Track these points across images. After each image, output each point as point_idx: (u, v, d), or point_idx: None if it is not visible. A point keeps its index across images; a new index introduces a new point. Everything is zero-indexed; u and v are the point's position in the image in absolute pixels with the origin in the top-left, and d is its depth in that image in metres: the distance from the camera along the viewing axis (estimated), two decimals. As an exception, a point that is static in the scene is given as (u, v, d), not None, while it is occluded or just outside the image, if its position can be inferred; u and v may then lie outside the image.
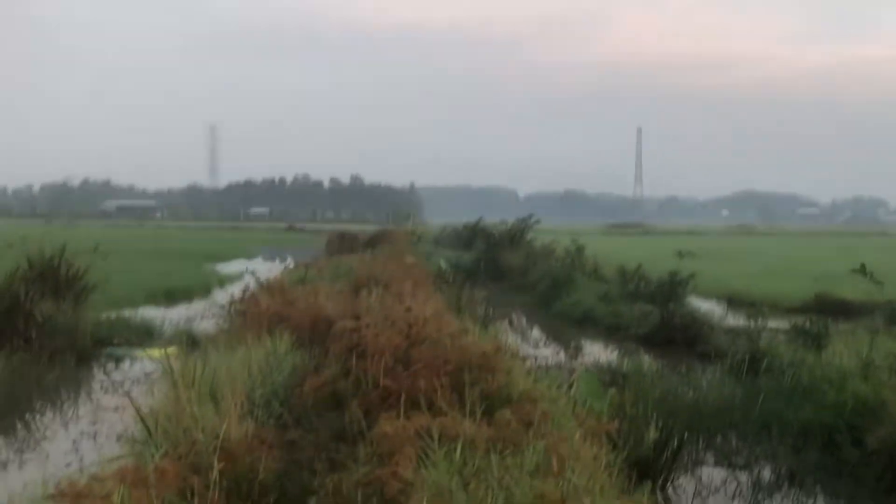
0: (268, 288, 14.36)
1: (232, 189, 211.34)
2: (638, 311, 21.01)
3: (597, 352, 18.67)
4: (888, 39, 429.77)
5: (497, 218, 57.84)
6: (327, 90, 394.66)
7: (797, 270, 35.22)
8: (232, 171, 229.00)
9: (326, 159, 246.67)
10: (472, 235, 53.81)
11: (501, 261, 35.50)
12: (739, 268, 37.06)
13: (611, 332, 21.04)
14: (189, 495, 4.98)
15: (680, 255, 19.66)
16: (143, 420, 6.12)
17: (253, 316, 10.92)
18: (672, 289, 19.15)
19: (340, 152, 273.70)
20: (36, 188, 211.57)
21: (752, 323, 19.39)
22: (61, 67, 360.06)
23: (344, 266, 22.52)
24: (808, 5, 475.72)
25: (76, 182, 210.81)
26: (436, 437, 5.16)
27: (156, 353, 16.41)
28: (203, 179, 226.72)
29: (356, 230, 64.36)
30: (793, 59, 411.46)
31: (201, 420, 5.97)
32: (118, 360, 15.84)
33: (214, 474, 5.14)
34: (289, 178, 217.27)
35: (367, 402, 6.26)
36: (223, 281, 32.73)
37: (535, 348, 17.81)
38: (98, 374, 14.97)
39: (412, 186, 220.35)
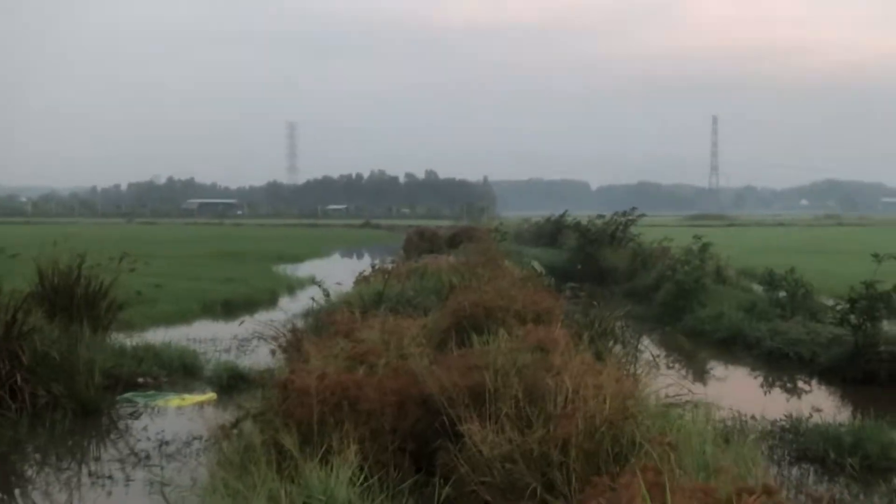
0: (331, 322, 9.58)
1: (310, 186, 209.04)
2: (815, 334, 15.74)
3: (780, 398, 13.50)
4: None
5: (570, 211, 52.52)
6: (402, 87, 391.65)
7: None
8: (311, 169, 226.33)
9: (402, 155, 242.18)
10: (555, 230, 48.60)
11: (602, 261, 30.21)
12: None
13: (774, 359, 15.75)
14: None
15: (877, 258, 14.16)
16: None
17: (301, 394, 6.11)
18: (872, 304, 13.77)
19: (415, 148, 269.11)
20: (123, 187, 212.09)
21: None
22: (149, 73, 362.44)
23: (431, 275, 17.67)
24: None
25: (162, 181, 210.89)
26: None
27: (186, 400, 11.95)
28: (283, 177, 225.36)
29: (432, 226, 59.98)
30: (875, 46, 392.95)
31: None
32: (133, 414, 11.23)
33: None
34: (365, 175, 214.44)
35: None
36: (293, 287, 28.33)
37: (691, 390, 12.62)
38: (97, 440, 10.37)
39: (486, 180, 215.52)
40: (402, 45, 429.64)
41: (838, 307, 14.65)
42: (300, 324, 13.43)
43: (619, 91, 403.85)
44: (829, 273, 26.23)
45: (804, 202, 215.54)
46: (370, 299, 15.11)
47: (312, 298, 17.00)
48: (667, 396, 9.59)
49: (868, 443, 9.48)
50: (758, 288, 23.47)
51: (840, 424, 10.47)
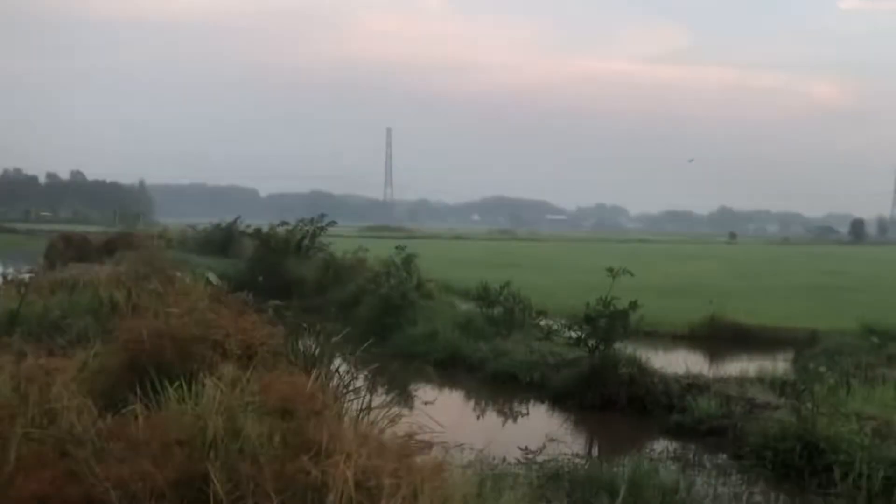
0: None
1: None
2: (542, 355, 14.82)
3: (518, 429, 12.18)
4: (627, 55, 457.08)
5: (239, 219, 49.72)
6: (44, 77, 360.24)
7: (645, 284, 30.78)
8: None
9: (43, 153, 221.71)
10: (227, 238, 45.62)
11: (287, 273, 28.03)
12: (569, 280, 32.20)
13: (499, 383, 14.61)
14: None
15: (611, 271, 13.50)
16: None
17: None
18: (611, 322, 12.97)
19: (59, 146, 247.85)
20: None
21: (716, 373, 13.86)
22: None
23: (84, 288, 14.48)
24: (556, 16, 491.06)
25: None
26: None
27: None
28: None
29: (80, 231, 54.37)
30: (537, 69, 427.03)
31: None
32: None
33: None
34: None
35: None
36: None
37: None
38: None
39: (141, 184, 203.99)
40: (43, 32, 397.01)
41: (571, 326, 13.80)
42: None
43: (289, 98, 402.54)
44: (532, 287, 26.28)
45: (476, 217, 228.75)
46: (-1, 322, 11.82)
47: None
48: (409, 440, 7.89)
49: (646, 489, 8.33)
50: (460, 302, 22.78)
51: (612, 465, 9.35)
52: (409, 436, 4.58)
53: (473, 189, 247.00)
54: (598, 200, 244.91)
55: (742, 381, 13.08)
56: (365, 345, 16.23)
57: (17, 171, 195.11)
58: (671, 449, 10.70)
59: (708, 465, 9.98)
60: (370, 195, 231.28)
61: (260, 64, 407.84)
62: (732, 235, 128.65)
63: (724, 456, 10.31)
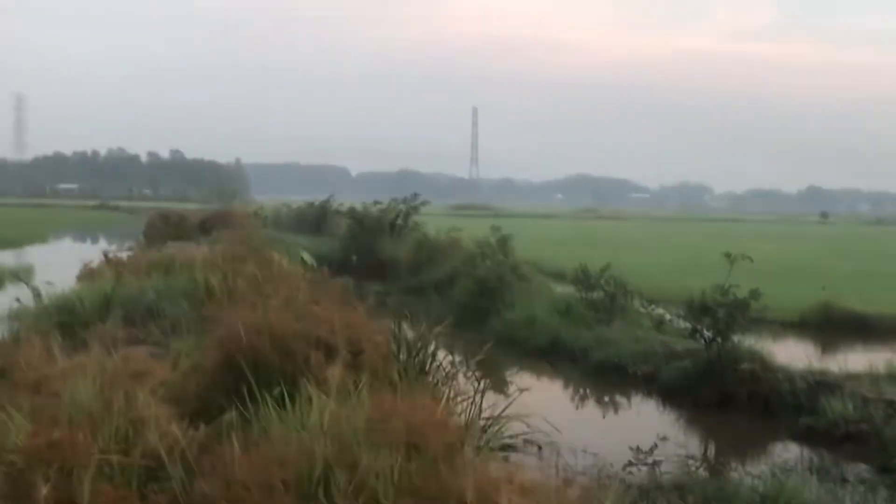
0: (10, 363, 5.82)
1: (39, 163, 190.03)
2: (651, 344, 13.70)
3: (633, 429, 11.07)
4: (715, 31, 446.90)
5: (330, 196, 49.36)
6: (144, 60, 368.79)
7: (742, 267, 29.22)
8: (40, 144, 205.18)
9: (144, 132, 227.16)
10: (321, 216, 45.28)
11: (381, 253, 27.37)
12: (661, 261, 30.82)
13: (604, 374, 13.55)
14: None
15: (729, 257, 12.27)
16: None
17: None
18: (731, 313, 11.80)
19: (159, 125, 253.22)
20: None
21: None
22: None
23: (180, 269, 13.90)
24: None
25: None
26: None
27: None
28: (8, 153, 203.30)
29: (178, 209, 54.98)
30: (622, 48, 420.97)
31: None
32: None
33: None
34: (102, 152, 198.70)
35: None
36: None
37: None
38: None
39: (238, 162, 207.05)
40: (147, 16, 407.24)
41: (684, 316, 12.65)
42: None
43: (378, 77, 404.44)
44: (624, 268, 25.06)
45: (559, 195, 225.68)
46: (94, 304, 11.30)
47: (18, 300, 13.14)
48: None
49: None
50: (554, 284, 21.80)
51: (740, 473, 8.30)
52: (567, 483, 3.62)
53: (556, 168, 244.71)
54: (681, 179, 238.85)
55: (875, 378, 11.73)
56: (465, 331, 15.41)
57: (121, 150, 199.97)
58: (805, 457, 9.52)
59: (850, 478, 8.75)
60: (456, 174, 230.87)
61: (350, 45, 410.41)
62: (824, 215, 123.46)
63: (867, 467, 9.07)
